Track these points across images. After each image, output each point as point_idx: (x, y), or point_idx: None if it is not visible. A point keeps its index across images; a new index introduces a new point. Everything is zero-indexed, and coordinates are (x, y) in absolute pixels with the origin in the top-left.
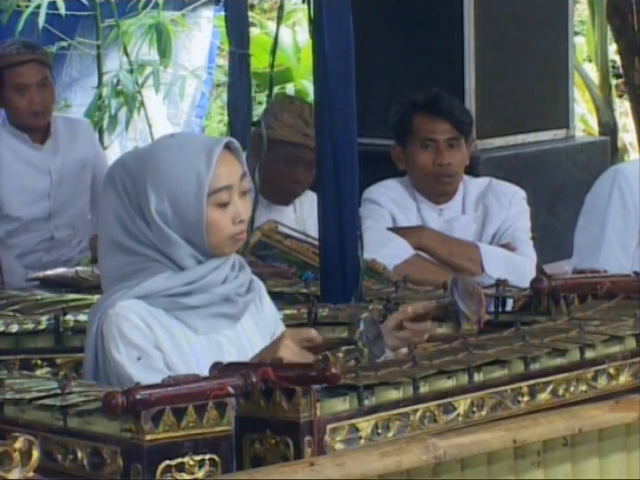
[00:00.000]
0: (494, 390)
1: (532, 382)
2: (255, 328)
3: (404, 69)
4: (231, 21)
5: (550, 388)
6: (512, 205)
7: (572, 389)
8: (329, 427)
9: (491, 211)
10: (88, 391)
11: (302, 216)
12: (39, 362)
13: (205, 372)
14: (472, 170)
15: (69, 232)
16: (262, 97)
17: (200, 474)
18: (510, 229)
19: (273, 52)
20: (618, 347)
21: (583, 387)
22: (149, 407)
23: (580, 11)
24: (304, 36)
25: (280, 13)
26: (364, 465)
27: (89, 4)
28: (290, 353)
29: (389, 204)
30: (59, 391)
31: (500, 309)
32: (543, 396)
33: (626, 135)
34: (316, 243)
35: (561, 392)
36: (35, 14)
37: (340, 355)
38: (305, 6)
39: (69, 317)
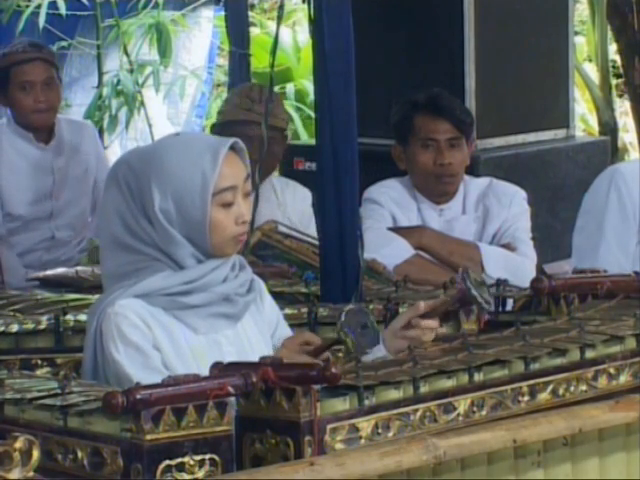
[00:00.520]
0: (494, 390)
1: (532, 382)
2: (255, 328)
3: (404, 69)
4: (231, 21)
5: (550, 388)
6: (512, 205)
7: (572, 389)
8: (329, 427)
9: (491, 211)
10: (88, 391)
11: (284, 203)
12: (39, 362)
13: (204, 372)
14: (472, 170)
15: (70, 233)
16: None
17: (200, 474)
18: (510, 229)
19: (273, 52)
20: (618, 347)
21: (583, 387)
22: (149, 407)
23: (580, 11)
24: (304, 36)
25: (280, 13)
26: (364, 465)
27: (89, 4)
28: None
29: (389, 204)
30: (59, 391)
31: (500, 309)
32: (543, 396)
33: (626, 135)
34: (316, 243)
35: (561, 392)
36: (35, 14)
37: (340, 355)
38: (305, 6)
39: (69, 317)
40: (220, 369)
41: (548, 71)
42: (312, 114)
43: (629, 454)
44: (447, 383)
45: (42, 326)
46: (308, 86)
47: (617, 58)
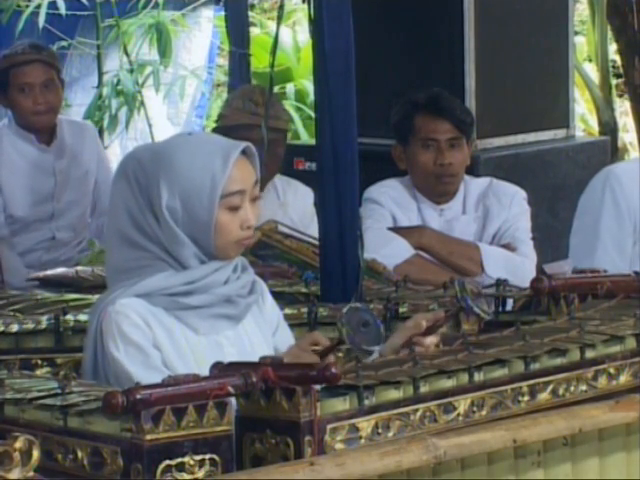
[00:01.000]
0: (494, 390)
1: (532, 382)
2: (257, 329)
3: (404, 69)
4: (231, 21)
5: (550, 388)
6: (513, 205)
7: (572, 389)
8: (329, 427)
9: (492, 211)
10: (88, 391)
11: (286, 203)
12: (39, 362)
13: (205, 372)
14: (472, 170)
15: (70, 234)
16: None
17: (200, 474)
18: (510, 229)
19: (273, 52)
20: (618, 347)
21: (583, 387)
22: (149, 407)
23: (580, 11)
24: (304, 36)
25: (280, 13)
26: (364, 465)
27: (89, 4)
28: (294, 359)
29: (390, 204)
30: (59, 391)
31: (500, 309)
32: (543, 396)
33: (626, 135)
34: (316, 243)
35: (561, 392)
36: (35, 14)
37: (340, 355)
38: (305, 6)
39: (69, 317)
40: (220, 369)
41: (548, 71)
42: (312, 114)
43: (629, 454)
44: (447, 383)
45: (42, 326)
46: (308, 86)
47: (617, 58)
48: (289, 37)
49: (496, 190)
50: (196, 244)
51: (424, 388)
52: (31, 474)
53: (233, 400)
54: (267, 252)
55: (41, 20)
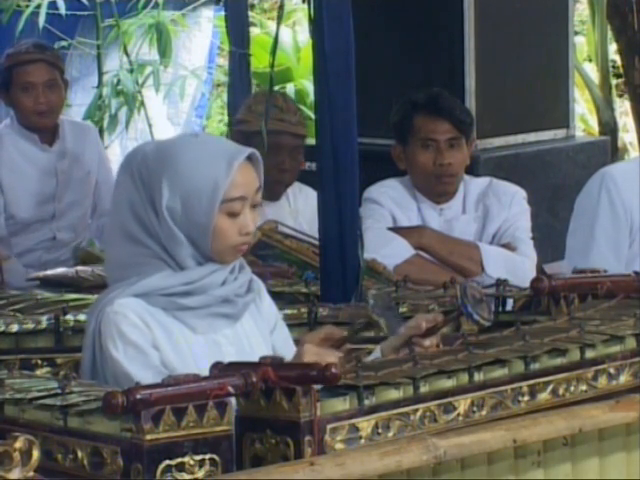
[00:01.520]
0: (494, 390)
1: (532, 382)
2: (255, 327)
3: (404, 69)
4: (231, 21)
5: (550, 388)
6: (513, 205)
7: (572, 389)
8: (329, 427)
9: (492, 211)
10: (88, 391)
11: (296, 209)
12: (39, 362)
13: (203, 372)
14: (472, 170)
15: (71, 234)
16: None
17: (200, 474)
18: (510, 229)
19: (273, 52)
20: (618, 347)
21: (583, 387)
22: (149, 407)
23: (580, 10)
24: (304, 36)
25: (280, 13)
26: (364, 465)
27: (89, 4)
28: (314, 356)
29: (389, 204)
30: (59, 391)
31: (500, 309)
32: (543, 396)
33: (626, 135)
34: (316, 243)
35: (561, 392)
36: (35, 14)
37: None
38: (305, 6)
39: (69, 317)
40: (220, 369)
41: (548, 71)
42: (312, 114)
43: (629, 454)
44: (447, 383)
45: (42, 326)
46: (308, 86)
47: (617, 58)
48: (289, 37)
49: (496, 190)
50: (193, 245)
51: (424, 388)
52: (31, 474)
53: (233, 400)
54: (267, 252)
55: (41, 20)
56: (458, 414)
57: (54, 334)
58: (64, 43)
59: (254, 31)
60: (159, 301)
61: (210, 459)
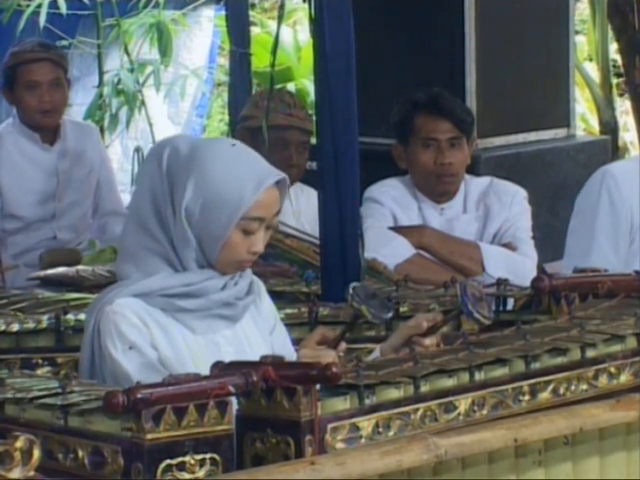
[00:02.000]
0: (495, 389)
1: (533, 381)
2: (255, 328)
3: (405, 68)
4: (232, 20)
5: (551, 387)
6: (513, 205)
7: (573, 388)
8: (330, 426)
9: (492, 210)
10: (89, 390)
11: (299, 210)
12: (40, 361)
13: (202, 372)
14: (473, 169)
15: (71, 234)
16: None
17: (201, 473)
18: (511, 229)
19: (274, 51)
20: (619, 346)
21: (584, 386)
22: (150, 406)
23: (581, 10)
24: (305, 35)
25: (281, 12)
26: (365, 464)
27: (90, 3)
28: (311, 360)
29: (390, 203)
30: (60, 390)
31: (501, 308)
32: (544, 395)
33: (627, 134)
34: (317, 242)
35: (562, 391)
36: (36, 13)
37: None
38: (306, 5)
39: (70, 316)
40: (221, 368)
41: (548, 70)
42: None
43: (629, 453)
44: (448, 382)
45: (43, 325)
46: (308, 86)
47: (618, 57)
48: (290, 36)
49: (497, 189)
50: (201, 250)
51: (425, 387)
52: (32, 473)
53: (234, 399)
54: (268, 251)
55: (42, 19)
56: (459, 413)
57: (55, 333)
58: (65, 42)
59: (255, 30)
60: (158, 301)
61: (211, 458)
